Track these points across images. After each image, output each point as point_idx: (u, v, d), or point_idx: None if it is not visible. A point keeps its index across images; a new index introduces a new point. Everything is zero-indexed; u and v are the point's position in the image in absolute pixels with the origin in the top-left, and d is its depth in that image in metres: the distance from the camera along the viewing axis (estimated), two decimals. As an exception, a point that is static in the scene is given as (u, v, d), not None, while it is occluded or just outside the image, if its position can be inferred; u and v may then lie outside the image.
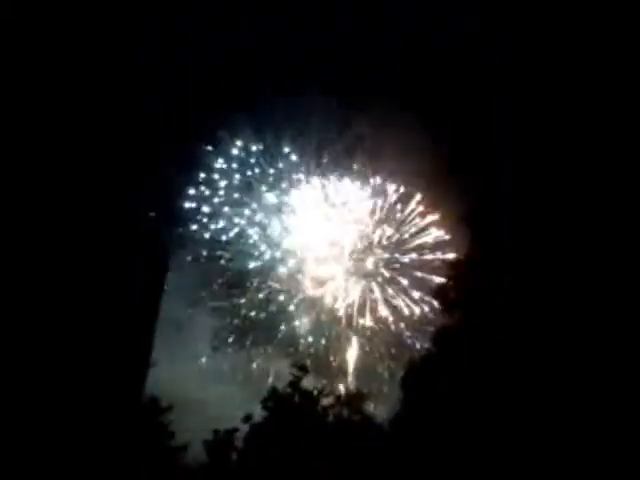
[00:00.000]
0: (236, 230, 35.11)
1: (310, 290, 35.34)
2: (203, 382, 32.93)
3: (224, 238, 34.99)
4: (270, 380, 33.00)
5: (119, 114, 21.61)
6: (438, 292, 25.85)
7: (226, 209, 34.60)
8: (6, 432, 18.89)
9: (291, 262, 35.49)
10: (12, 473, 18.22)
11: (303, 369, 29.39)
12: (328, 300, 35.29)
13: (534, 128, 22.69)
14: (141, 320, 24.99)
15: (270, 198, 35.45)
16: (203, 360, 35.17)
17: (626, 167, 19.83)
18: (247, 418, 28.80)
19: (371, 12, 29.78)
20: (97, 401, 21.64)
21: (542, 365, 21.24)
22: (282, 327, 34.96)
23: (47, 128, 20.41)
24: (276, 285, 35.22)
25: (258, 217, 35.42)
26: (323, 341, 34.60)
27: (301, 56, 30.30)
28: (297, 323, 35.00)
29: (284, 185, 35.18)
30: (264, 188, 35.03)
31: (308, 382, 29.64)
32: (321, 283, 35.32)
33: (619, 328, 19.00)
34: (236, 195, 34.58)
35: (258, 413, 28.88)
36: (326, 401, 28.70)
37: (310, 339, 34.70)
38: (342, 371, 33.27)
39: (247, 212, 34.97)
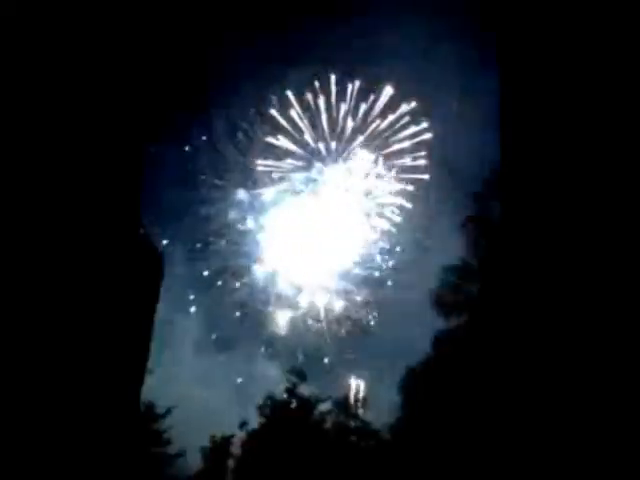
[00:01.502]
0: (213, 229, 34.55)
1: (288, 289, 34.85)
2: (188, 386, 32.56)
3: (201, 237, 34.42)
4: (256, 383, 32.64)
5: (117, 115, 21.36)
6: (436, 297, 25.86)
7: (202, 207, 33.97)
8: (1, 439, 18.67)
9: (268, 261, 34.96)
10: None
11: (300, 375, 29.26)
12: (308, 299, 34.78)
13: (534, 130, 22.66)
14: (137, 327, 24.82)
15: (242, 194, 34.80)
16: (187, 364, 34.64)
17: (626, 168, 19.81)
18: (243, 424, 28.66)
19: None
20: (94, 408, 21.46)
21: (542, 369, 21.30)
22: (262, 328, 34.48)
23: (44, 129, 20.13)
24: (254, 284, 34.69)
25: (232, 214, 34.84)
26: (308, 343, 34.21)
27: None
28: (277, 324, 34.55)
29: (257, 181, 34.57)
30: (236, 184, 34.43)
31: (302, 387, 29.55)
32: (298, 283, 34.85)
33: (620, 330, 19.05)
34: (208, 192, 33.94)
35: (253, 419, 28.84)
36: (323, 407, 28.66)
37: (293, 340, 34.25)
38: (335, 374, 33.03)
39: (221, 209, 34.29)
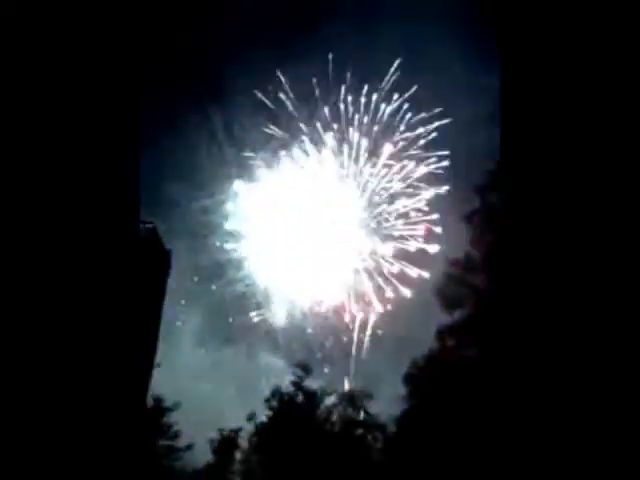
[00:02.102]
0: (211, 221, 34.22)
1: (287, 282, 34.47)
2: (194, 380, 32.49)
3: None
4: (260, 375, 32.54)
5: (120, 114, 21.50)
6: (440, 290, 25.91)
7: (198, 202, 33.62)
8: (9, 433, 18.94)
9: (266, 254, 34.57)
10: (14, 474, 18.31)
11: (305, 368, 29.41)
12: (307, 292, 34.38)
13: (535, 128, 22.60)
14: (145, 321, 25.08)
15: (238, 185, 34.32)
16: (191, 358, 34.39)
17: (626, 168, 19.72)
18: (251, 417, 28.86)
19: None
20: (102, 402, 21.72)
21: (546, 362, 21.26)
22: (263, 320, 34.19)
23: (47, 128, 20.32)
24: (252, 278, 34.34)
25: (228, 206, 34.39)
26: (310, 335, 33.95)
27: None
28: (277, 316, 34.27)
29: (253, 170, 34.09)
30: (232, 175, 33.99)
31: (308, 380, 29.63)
32: (296, 275, 34.49)
33: (622, 329, 18.97)
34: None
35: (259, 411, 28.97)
36: (329, 400, 28.76)
37: (294, 332, 33.92)
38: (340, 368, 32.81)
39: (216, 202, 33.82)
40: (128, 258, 22.77)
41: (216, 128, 33.67)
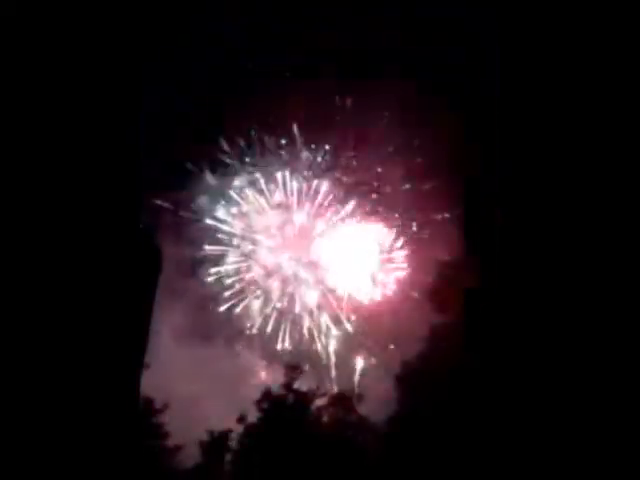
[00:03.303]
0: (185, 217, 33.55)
1: (262, 279, 34.11)
2: (182, 381, 32.19)
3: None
4: (246, 376, 32.31)
5: (117, 116, 21.50)
6: (432, 292, 26.11)
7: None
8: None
9: (244, 248, 34.13)
10: (5, 474, 18.15)
11: (295, 369, 29.47)
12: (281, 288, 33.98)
13: (529, 125, 22.87)
14: (135, 322, 24.93)
15: (212, 180, 33.72)
16: (177, 358, 33.83)
17: (623, 166, 20.00)
18: (241, 419, 28.83)
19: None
20: (91, 402, 21.59)
21: (538, 364, 21.50)
22: (245, 319, 33.88)
23: (42, 129, 20.27)
24: (228, 274, 33.91)
25: (203, 201, 33.77)
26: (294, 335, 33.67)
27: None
28: (257, 314, 33.88)
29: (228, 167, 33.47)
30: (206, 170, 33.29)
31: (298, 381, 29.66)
32: (271, 271, 34.15)
33: (616, 327, 19.24)
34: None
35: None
36: (320, 401, 28.81)
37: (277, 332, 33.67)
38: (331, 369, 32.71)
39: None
40: (123, 256, 22.69)
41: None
